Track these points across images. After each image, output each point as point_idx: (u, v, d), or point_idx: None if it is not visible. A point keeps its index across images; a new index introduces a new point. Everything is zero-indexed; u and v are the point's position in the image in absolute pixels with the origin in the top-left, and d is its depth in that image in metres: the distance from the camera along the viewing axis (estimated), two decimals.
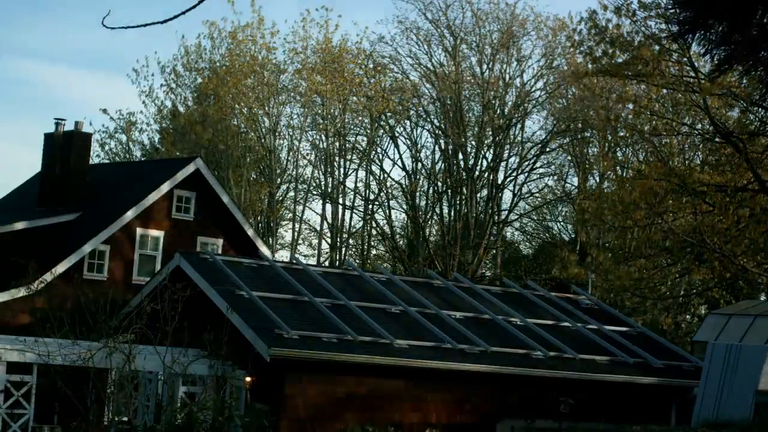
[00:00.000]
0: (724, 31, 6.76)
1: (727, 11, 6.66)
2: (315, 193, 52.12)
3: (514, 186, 51.29)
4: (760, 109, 29.82)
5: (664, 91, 31.95)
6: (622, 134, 35.74)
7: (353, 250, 54.55)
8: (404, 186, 51.88)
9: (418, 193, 51.51)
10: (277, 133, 49.81)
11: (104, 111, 53.83)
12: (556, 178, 52.64)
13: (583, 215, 39.29)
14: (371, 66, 50.86)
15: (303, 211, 52.13)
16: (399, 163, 52.14)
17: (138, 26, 7.39)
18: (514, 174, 50.97)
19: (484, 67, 50.01)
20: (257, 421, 20.74)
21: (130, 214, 31.96)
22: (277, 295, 24.20)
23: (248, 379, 21.93)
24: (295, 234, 51.53)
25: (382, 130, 52.00)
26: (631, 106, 32.20)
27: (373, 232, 54.25)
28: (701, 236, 30.61)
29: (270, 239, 48.79)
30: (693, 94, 30.61)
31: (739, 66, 7.61)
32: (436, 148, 51.80)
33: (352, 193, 52.44)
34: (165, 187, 32.66)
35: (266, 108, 49.45)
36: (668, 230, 32.45)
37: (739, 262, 31.85)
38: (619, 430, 22.42)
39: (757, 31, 6.76)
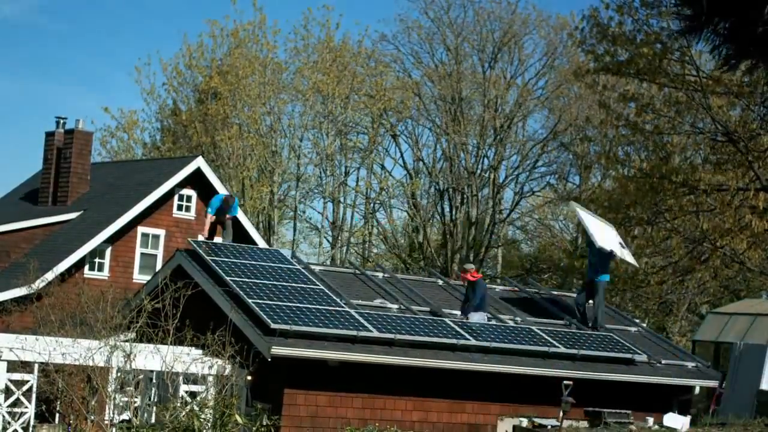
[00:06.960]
0: (731, 27, 6.72)
1: (733, 10, 6.62)
2: (316, 191, 52.13)
3: (515, 185, 51.29)
4: (762, 108, 29.75)
5: (666, 89, 31.86)
6: (624, 133, 35.64)
7: (354, 248, 54.53)
8: (405, 184, 51.85)
9: (419, 192, 51.48)
10: (278, 132, 49.78)
11: (106, 109, 53.98)
12: (557, 176, 52.63)
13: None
14: (373, 64, 50.85)
15: (304, 210, 52.16)
16: (400, 161, 52.16)
17: None
18: (515, 173, 50.97)
19: (486, 65, 49.99)
20: (258, 420, 20.69)
21: (131, 213, 31.93)
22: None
23: (249, 377, 21.89)
24: (296, 232, 51.53)
25: (383, 129, 51.97)
26: (632, 104, 32.09)
27: (375, 230, 54.23)
28: (704, 234, 30.56)
29: (271, 238, 48.75)
30: (695, 93, 30.53)
31: (742, 64, 7.57)
32: (438, 146, 51.83)
33: (353, 191, 52.44)
34: (166, 186, 32.63)
35: (267, 106, 49.42)
36: (671, 229, 32.39)
37: (741, 260, 31.79)
38: (621, 429, 22.39)
39: (762, 29, 6.73)
